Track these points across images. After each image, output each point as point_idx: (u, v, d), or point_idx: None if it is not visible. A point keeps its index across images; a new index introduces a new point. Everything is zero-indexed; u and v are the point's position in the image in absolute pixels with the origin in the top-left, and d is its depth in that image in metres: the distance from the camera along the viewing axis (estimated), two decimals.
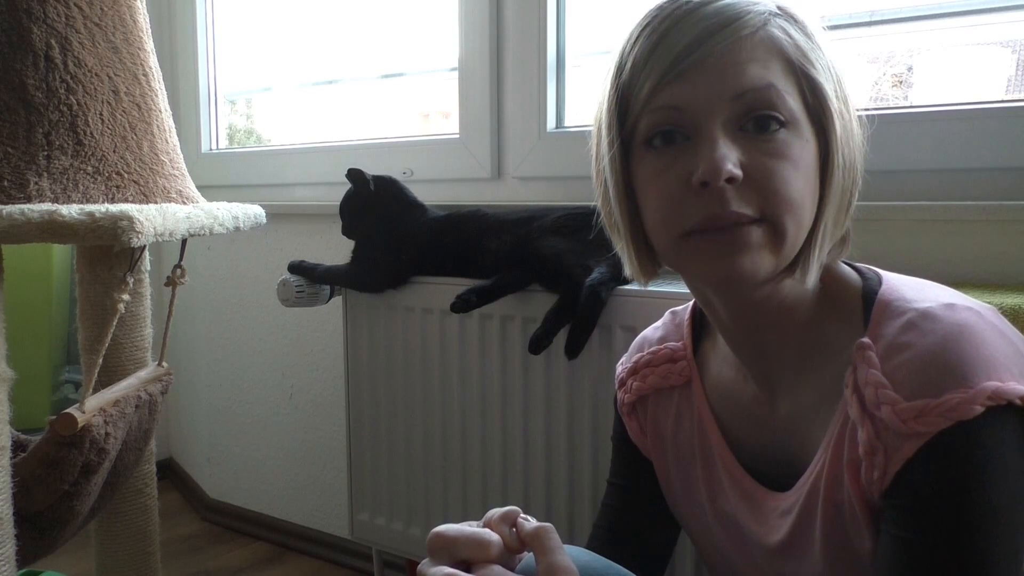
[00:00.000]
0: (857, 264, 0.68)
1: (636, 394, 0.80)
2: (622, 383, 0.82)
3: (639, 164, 0.63)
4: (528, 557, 0.58)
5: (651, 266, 0.68)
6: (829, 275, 0.66)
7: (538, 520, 0.58)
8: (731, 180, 0.57)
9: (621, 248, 0.68)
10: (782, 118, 0.58)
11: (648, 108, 0.60)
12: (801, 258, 0.61)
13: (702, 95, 0.58)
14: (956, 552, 0.54)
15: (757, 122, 0.58)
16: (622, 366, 0.83)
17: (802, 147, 0.59)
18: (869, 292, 0.63)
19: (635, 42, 0.62)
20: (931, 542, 0.55)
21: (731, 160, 0.57)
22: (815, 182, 0.61)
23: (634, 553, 0.80)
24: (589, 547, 0.82)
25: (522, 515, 0.58)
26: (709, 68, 0.58)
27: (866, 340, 0.59)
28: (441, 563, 0.55)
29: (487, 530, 0.57)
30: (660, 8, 0.62)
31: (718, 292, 0.66)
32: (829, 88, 0.60)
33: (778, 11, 0.61)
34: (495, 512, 0.59)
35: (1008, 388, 0.53)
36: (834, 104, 0.60)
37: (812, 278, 0.62)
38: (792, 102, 0.59)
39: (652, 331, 0.82)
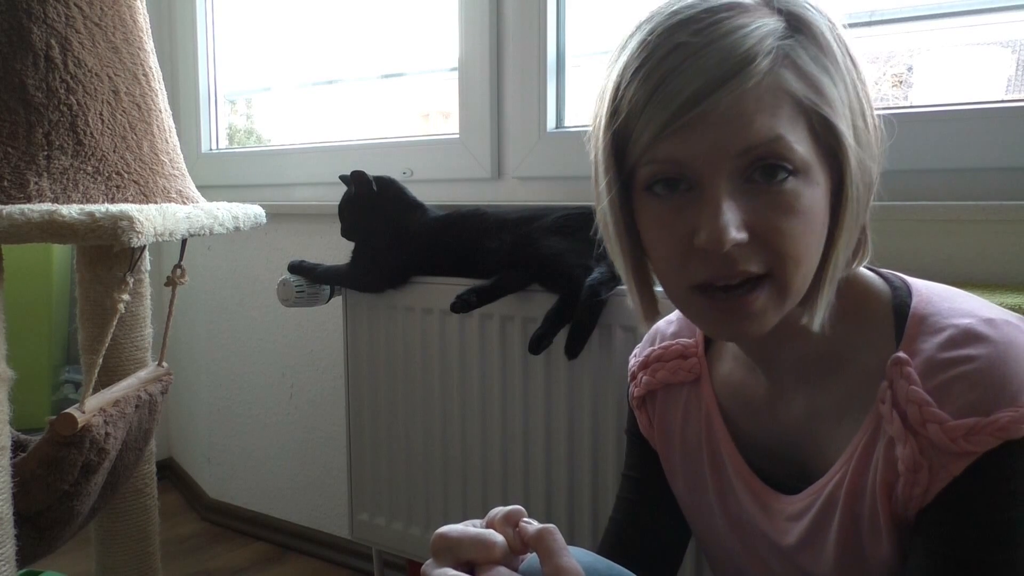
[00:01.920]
0: (881, 270, 0.67)
1: (646, 388, 0.80)
2: (633, 376, 0.82)
3: (641, 207, 0.61)
4: (531, 557, 0.58)
5: (653, 308, 0.67)
6: (849, 284, 0.64)
7: (539, 520, 0.57)
8: (737, 244, 0.55)
9: (625, 283, 0.67)
10: (790, 167, 0.55)
11: (647, 159, 0.57)
12: (808, 301, 0.60)
13: (705, 150, 0.55)
14: (997, 570, 0.54)
15: (764, 171, 0.55)
16: (635, 358, 0.83)
17: (812, 193, 0.57)
18: (900, 304, 0.62)
19: (629, 84, 0.57)
20: (973, 559, 0.55)
21: (735, 225, 0.54)
22: (824, 225, 0.59)
23: (648, 546, 0.81)
24: (604, 540, 0.83)
25: (524, 519, 0.57)
26: (712, 123, 0.54)
27: (903, 355, 0.59)
28: (445, 564, 0.54)
29: (491, 531, 0.56)
30: (656, 46, 0.56)
31: None
32: (843, 125, 0.57)
33: (789, 31, 0.56)
34: (498, 512, 0.58)
35: None
36: (848, 142, 0.57)
37: (818, 319, 0.60)
38: (802, 149, 0.55)
39: (666, 324, 0.81)
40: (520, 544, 0.56)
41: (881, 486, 0.59)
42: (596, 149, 0.63)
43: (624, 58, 0.59)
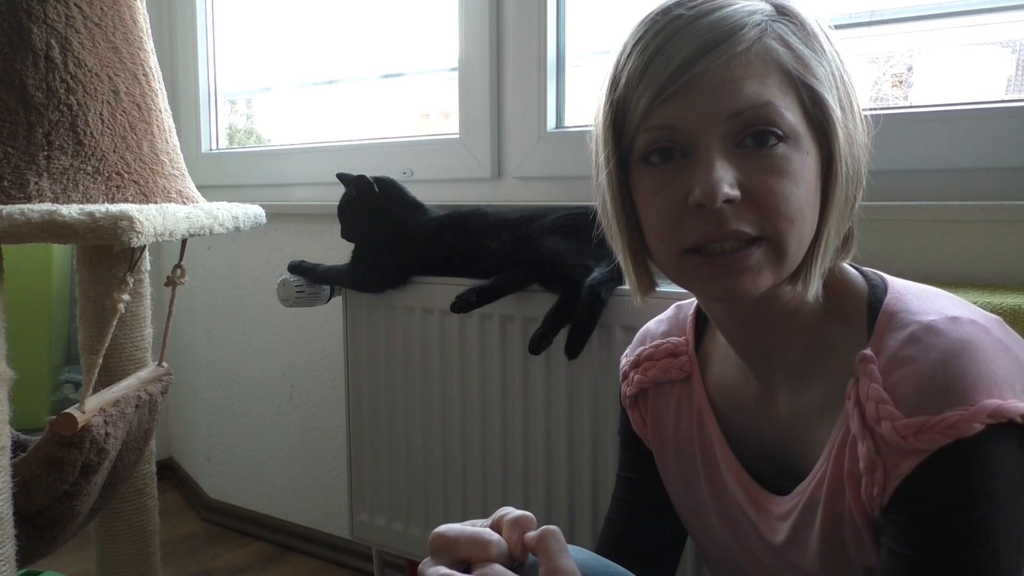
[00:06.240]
0: (864, 268, 0.68)
1: (637, 387, 0.80)
2: (625, 375, 0.83)
3: (637, 180, 0.62)
4: (530, 558, 0.58)
5: (648, 283, 0.68)
6: (834, 279, 0.65)
7: (539, 524, 0.57)
8: (729, 201, 0.56)
9: (621, 261, 0.68)
10: (780, 133, 0.57)
11: (643, 127, 0.59)
12: (803, 270, 0.61)
13: (698, 115, 0.57)
14: (955, 570, 0.54)
15: (755, 137, 0.57)
16: (626, 358, 0.84)
17: (802, 160, 0.58)
18: (874, 300, 0.63)
19: (629, 56, 0.60)
20: (930, 559, 0.55)
21: (727, 181, 0.56)
22: (816, 194, 0.60)
23: (645, 546, 0.81)
24: (600, 540, 0.83)
25: (530, 532, 0.57)
26: (704, 87, 0.57)
27: (868, 352, 0.59)
28: (441, 563, 0.55)
29: (487, 530, 0.57)
30: (653, 21, 0.60)
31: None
32: (831, 98, 0.59)
33: (777, 15, 0.59)
34: (508, 513, 0.58)
35: (1009, 406, 0.53)
36: (836, 114, 0.59)
37: (813, 289, 0.61)
38: (791, 116, 0.58)
39: (656, 324, 0.83)
40: (521, 551, 0.56)
41: (850, 485, 0.60)
42: (597, 124, 0.65)
43: (627, 35, 0.62)
